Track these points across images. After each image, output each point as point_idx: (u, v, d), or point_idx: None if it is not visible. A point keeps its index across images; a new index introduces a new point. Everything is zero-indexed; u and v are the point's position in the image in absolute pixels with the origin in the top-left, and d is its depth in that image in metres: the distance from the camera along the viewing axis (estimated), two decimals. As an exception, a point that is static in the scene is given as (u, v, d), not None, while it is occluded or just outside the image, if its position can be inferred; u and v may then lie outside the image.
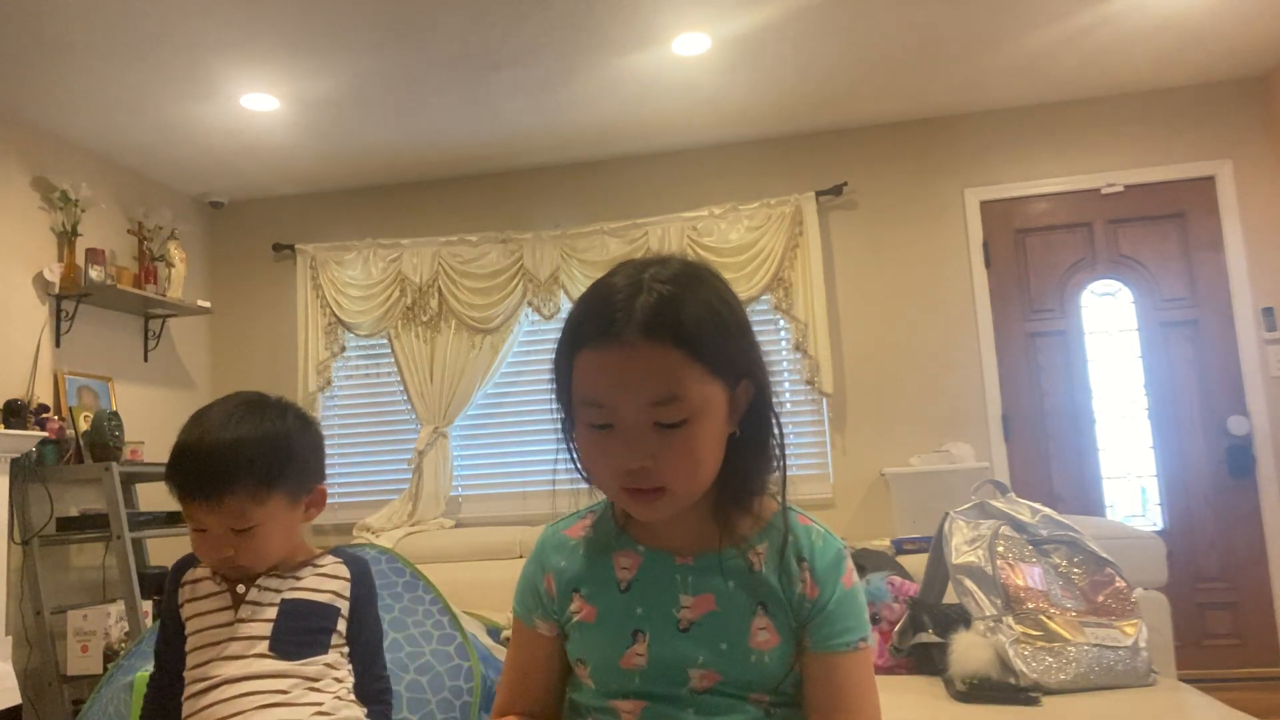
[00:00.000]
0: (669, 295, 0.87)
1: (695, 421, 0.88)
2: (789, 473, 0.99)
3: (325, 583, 1.26)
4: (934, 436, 3.99)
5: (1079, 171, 4.02)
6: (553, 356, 0.95)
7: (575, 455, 0.97)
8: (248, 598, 1.24)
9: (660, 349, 0.86)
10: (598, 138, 4.16)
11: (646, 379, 0.86)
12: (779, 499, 0.99)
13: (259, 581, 1.24)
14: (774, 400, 0.95)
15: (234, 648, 1.20)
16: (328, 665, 1.22)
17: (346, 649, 1.27)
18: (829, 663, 0.95)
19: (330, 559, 1.30)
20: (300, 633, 1.22)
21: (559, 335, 0.94)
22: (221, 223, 4.73)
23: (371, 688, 1.28)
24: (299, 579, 1.26)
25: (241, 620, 1.22)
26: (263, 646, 1.19)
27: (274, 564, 1.26)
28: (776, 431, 0.96)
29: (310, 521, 1.27)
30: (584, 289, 0.95)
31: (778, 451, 0.97)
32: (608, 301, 0.88)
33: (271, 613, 1.22)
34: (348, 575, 1.28)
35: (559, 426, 0.98)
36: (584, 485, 1.00)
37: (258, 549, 1.21)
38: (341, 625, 1.26)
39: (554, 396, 0.96)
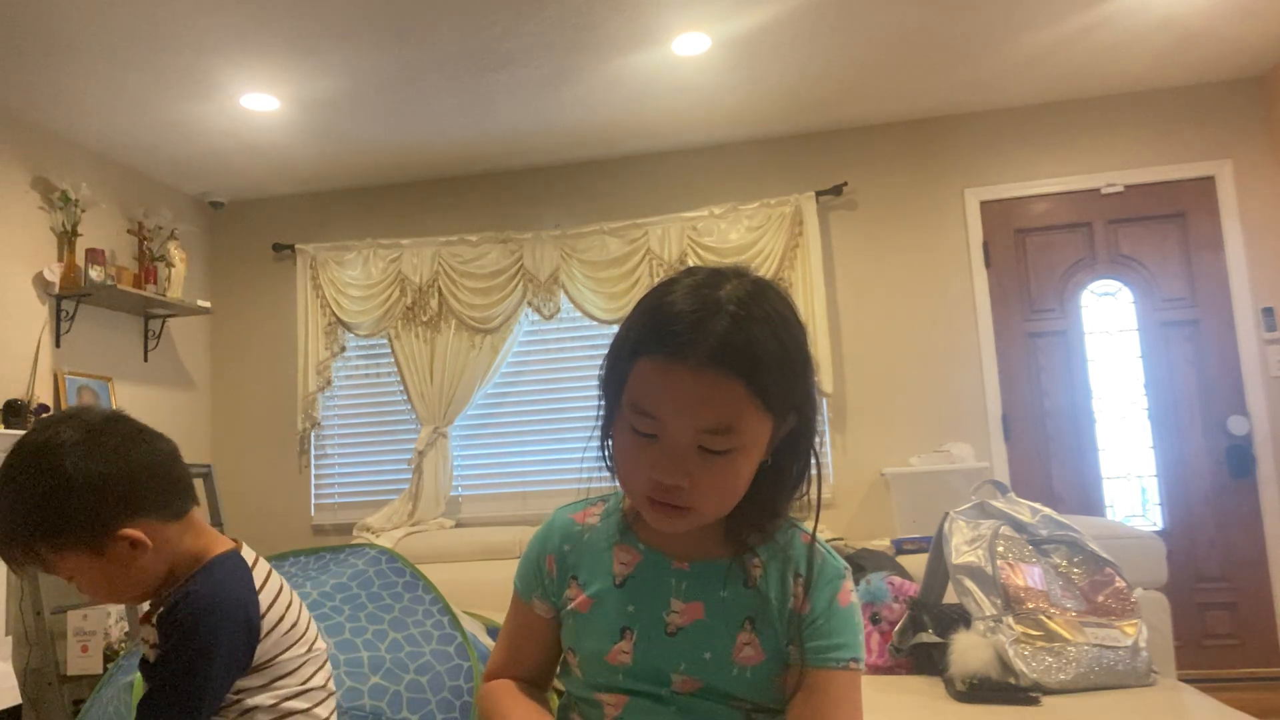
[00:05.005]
0: (743, 322, 0.85)
1: (739, 453, 0.87)
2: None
3: (154, 635, 1.10)
4: (934, 436, 3.99)
5: (1079, 171, 4.01)
6: (609, 347, 0.93)
7: (607, 449, 0.97)
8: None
9: (726, 379, 0.84)
10: (598, 138, 4.16)
11: (706, 406, 0.85)
12: (793, 518, 0.99)
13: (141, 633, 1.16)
14: (815, 435, 0.94)
15: None
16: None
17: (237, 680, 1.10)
18: (816, 678, 0.94)
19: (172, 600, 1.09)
20: None
21: (620, 330, 0.92)
22: (221, 223, 4.73)
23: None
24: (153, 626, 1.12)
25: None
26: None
27: (142, 600, 1.14)
28: (814, 464, 0.95)
29: (139, 560, 1.08)
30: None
31: (806, 486, 0.96)
32: (678, 316, 0.86)
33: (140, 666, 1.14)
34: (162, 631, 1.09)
35: (598, 414, 0.96)
36: (598, 482, 0.99)
37: (92, 591, 1.10)
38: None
39: (600, 384, 0.95)
